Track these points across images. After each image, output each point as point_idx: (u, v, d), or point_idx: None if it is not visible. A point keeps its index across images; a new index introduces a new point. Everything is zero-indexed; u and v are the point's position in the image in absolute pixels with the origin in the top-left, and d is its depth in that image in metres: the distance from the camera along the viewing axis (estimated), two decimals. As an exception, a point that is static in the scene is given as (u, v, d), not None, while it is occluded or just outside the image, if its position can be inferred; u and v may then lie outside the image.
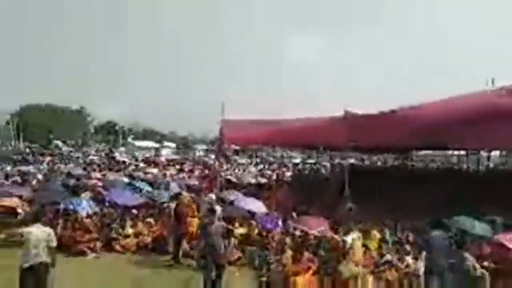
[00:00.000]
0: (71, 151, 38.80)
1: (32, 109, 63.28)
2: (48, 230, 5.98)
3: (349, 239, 8.11)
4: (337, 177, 17.18)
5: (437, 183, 14.21)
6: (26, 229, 5.92)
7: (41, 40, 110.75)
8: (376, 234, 9.47)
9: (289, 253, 8.18)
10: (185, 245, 9.24)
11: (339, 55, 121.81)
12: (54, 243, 5.93)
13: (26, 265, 5.64)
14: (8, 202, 10.63)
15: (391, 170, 23.10)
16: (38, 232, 5.80)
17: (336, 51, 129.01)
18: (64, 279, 6.59)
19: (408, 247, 8.38)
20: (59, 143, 48.20)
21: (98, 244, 9.44)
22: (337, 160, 33.12)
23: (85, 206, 10.42)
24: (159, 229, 10.10)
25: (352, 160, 27.33)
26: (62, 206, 10.45)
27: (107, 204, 11.53)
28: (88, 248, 9.17)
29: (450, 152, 26.48)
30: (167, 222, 9.92)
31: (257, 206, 11.30)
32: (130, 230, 9.99)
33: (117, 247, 9.53)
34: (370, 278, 7.68)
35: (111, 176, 17.03)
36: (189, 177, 19.96)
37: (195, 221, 9.52)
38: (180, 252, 9.02)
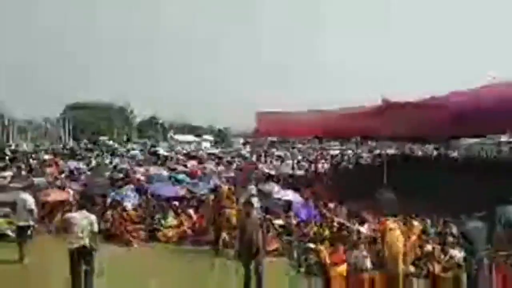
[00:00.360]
0: (116, 147, 40.58)
1: (78, 108, 66.79)
2: (90, 216, 6.45)
3: (363, 229, 7.99)
4: (376, 167, 16.85)
5: (482, 172, 13.56)
6: (70, 215, 6.51)
7: (81, 40, 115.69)
8: (417, 224, 9.25)
9: (326, 244, 8.22)
10: (224, 235, 9.49)
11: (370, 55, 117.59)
12: (95, 228, 6.40)
13: (71, 246, 6.16)
14: (59, 194, 11.34)
15: (432, 160, 22.26)
16: (81, 218, 6.32)
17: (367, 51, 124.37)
18: (109, 266, 7.08)
19: (450, 238, 8.14)
20: (105, 139, 50.51)
21: (143, 234, 9.94)
22: (377, 151, 32.44)
23: (131, 198, 10.98)
24: (199, 220, 10.44)
25: (392, 150, 26.58)
26: (110, 198, 11.09)
27: (150, 196, 12.05)
28: (134, 237, 9.68)
29: (501, 139, 25.09)
30: (206, 213, 10.23)
31: (294, 197, 11.37)
32: (172, 221, 10.41)
33: (160, 237, 9.98)
34: (412, 269, 7.57)
35: (154, 170, 17.70)
36: (227, 170, 20.31)
37: (233, 212, 9.75)
38: (220, 242, 9.27)
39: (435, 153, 29.42)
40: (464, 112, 9.38)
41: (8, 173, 15.90)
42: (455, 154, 29.10)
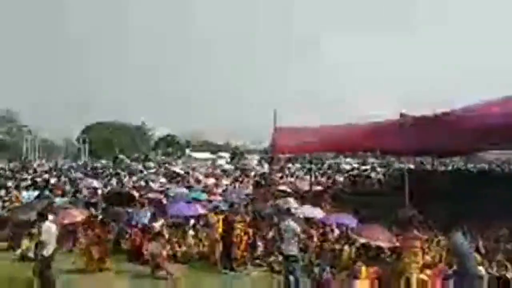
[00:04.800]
0: (135, 165, 41.17)
1: (96, 127, 68.39)
2: (55, 225, 7.50)
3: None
4: (396, 182, 16.56)
5: (505, 186, 13.16)
6: (48, 226, 7.24)
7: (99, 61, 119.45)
8: (441, 241, 9.03)
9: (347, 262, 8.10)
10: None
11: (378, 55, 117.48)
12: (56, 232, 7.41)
13: (48, 253, 7.00)
14: (77, 215, 11.35)
15: (453, 174, 21.76)
16: (52, 227, 7.27)
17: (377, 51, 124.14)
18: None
19: (478, 256, 7.86)
20: (124, 158, 51.31)
21: (164, 253, 9.93)
22: (396, 165, 31.93)
23: (150, 217, 11.03)
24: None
25: (411, 165, 26.08)
26: (130, 218, 11.20)
27: (169, 214, 12.04)
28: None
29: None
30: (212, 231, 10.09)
31: (315, 212, 11.32)
32: (191, 240, 10.40)
33: (180, 256, 9.97)
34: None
35: (173, 188, 17.81)
36: (243, 187, 20.27)
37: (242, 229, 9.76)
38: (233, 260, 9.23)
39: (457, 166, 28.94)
40: (494, 123, 9.02)
41: (30, 193, 16.28)
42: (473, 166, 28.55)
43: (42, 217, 7.53)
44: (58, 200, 14.69)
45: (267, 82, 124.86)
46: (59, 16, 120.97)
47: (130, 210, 12.44)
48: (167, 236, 9.88)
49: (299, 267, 7.74)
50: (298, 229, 7.87)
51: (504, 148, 17.74)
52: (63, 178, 24.31)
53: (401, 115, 11.52)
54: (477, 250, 8.38)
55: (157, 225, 9.62)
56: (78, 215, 11.20)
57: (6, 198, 15.46)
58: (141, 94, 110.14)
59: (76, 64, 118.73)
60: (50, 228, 7.20)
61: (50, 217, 8.64)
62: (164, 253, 8.93)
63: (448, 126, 10.20)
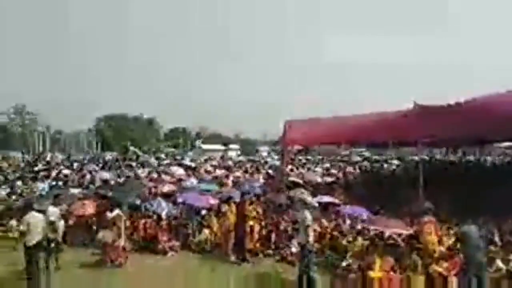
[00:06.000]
0: (146, 157, 41.43)
1: (107, 120, 69.04)
2: (40, 216, 7.33)
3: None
4: (409, 174, 16.36)
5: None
6: (28, 216, 7.12)
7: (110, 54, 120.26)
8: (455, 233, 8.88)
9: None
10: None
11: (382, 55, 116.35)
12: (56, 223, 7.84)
13: (29, 244, 6.95)
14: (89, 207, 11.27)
15: (469, 165, 21.38)
16: (36, 216, 7.19)
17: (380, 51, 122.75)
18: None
19: (494, 248, 7.72)
20: (136, 150, 51.63)
21: (177, 243, 10.01)
22: (409, 157, 31.54)
23: (164, 207, 11.08)
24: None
25: (425, 156, 25.78)
26: (143, 208, 11.25)
27: (181, 205, 12.06)
28: (168, 247, 9.76)
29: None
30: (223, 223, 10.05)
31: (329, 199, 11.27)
32: (205, 230, 10.43)
33: (194, 246, 10.03)
34: (454, 280, 7.24)
35: (184, 178, 17.85)
36: (254, 178, 20.23)
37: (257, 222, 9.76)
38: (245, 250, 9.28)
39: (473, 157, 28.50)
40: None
41: (45, 184, 16.49)
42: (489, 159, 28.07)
43: (27, 208, 7.40)
44: (71, 191, 14.84)
45: (270, 81, 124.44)
46: (60, 15, 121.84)
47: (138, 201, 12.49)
48: (122, 227, 9.54)
49: (313, 257, 7.68)
50: (310, 220, 7.74)
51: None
52: (84, 170, 24.57)
53: (415, 104, 11.35)
54: (493, 242, 8.22)
55: (110, 215, 9.64)
56: (92, 206, 11.17)
57: (24, 189, 15.69)
58: (144, 92, 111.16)
59: (77, 63, 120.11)
60: (30, 219, 7.05)
61: (52, 207, 8.71)
62: (118, 242, 8.90)
63: (470, 114, 9.91)
